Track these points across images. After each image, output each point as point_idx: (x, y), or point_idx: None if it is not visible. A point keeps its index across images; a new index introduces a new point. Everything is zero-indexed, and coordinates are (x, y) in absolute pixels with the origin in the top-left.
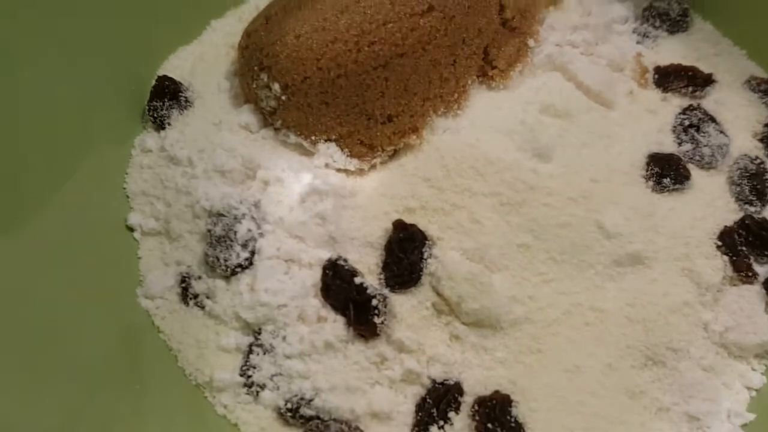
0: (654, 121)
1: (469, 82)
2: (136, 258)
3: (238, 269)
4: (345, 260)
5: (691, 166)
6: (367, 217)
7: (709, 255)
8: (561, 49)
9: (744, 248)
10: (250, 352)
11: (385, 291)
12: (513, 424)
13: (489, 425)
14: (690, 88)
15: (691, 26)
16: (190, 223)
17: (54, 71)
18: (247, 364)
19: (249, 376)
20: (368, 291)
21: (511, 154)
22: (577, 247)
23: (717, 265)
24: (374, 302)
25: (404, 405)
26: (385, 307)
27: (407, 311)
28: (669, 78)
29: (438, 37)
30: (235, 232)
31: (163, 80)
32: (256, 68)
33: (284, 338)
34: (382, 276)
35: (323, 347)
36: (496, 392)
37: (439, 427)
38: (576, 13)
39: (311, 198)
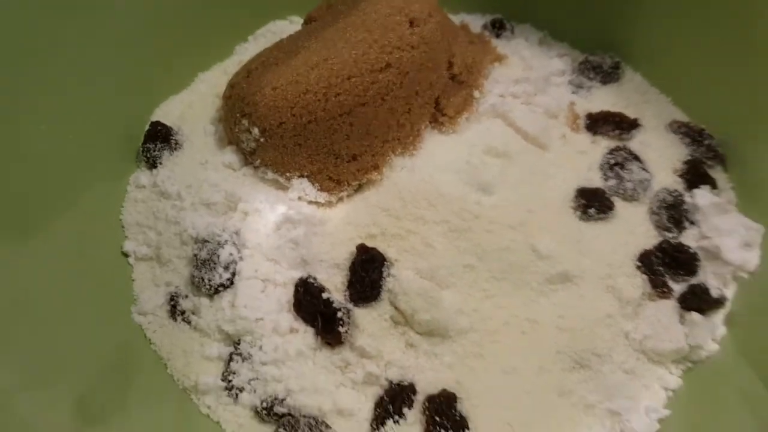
0: (584, 160)
1: (423, 127)
2: (131, 280)
3: (221, 288)
4: (314, 279)
5: (616, 199)
6: (334, 242)
7: (630, 274)
8: (503, 99)
9: (661, 268)
10: (231, 360)
11: (350, 305)
12: (458, 418)
13: (437, 418)
14: (617, 132)
15: (623, 77)
16: (178, 249)
17: (59, 117)
18: (228, 370)
19: (229, 381)
20: (334, 305)
21: (458, 189)
22: (515, 268)
23: (637, 283)
24: (339, 314)
25: (365, 403)
26: (349, 318)
27: (368, 322)
28: (598, 123)
29: (395, 90)
30: (218, 256)
31: (156, 125)
32: (238, 115)
33: (260, 347)
34: (347, 292)
35: (295, 354)
36: (444, 390)
37: (395, 421)
38: (519, 67)
39: (285, 226)
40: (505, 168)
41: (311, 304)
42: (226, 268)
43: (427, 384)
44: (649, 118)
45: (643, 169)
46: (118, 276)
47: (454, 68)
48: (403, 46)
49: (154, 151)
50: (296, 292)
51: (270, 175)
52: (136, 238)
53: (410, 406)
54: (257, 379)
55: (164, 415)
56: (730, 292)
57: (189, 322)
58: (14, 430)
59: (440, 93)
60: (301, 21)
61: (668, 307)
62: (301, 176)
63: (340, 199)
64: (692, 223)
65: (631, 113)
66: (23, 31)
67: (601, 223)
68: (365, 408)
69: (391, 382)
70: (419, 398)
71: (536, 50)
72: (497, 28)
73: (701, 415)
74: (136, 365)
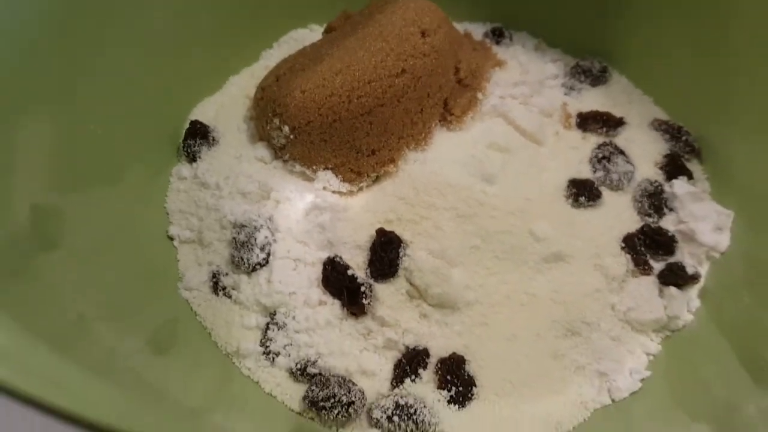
0: (575, 154)
1: (433, 125)
2: (176, 260)
3: (258, 266)
4: (340, 258)
5: (603, 188)
6: (356, 227)
7: (615, 254)
8: (503, 100)
9: (643, 249)
10: (267, 328)
11: (371, 281)
12: (466, 377)
13: (448, 377)
14: (605, 129)
15: (610, 80)
16: (218, 233)
17: (110, 118)
18: (266, 337)
19: (267, 346)
20: (358, 280)
21: (465, 179)
22: (515, 249)
23: (621, 262)
24: (363, 288)
25: (385, 365)
26: (371, 292)
27: (387, 296)
28: (588, 121)
29: (409, 92)
30: (255, 239)
31: (195, 124)
32: (270, 114)
33: (294, 317)
34: (368, 270)
35: (324, 323)
36: (453, 354)
37: (411, 380)
38: (516, 71)
39: (313, 212)
40: (505, 161)
41: (338, 280)
42: (262, 249)
43: (439, 349)
44: (634, 117)
45: (628, 162)
46: (164, 257)
47: (461, 73)
48: (416, 54)
49: (194, 146)
50: (324, 269)
51: (298, 167)
52: (179, 223)
53: (425, 368)
54: (291, 344)
55: (212, 376)
56: (703, 270)
57: (230, 297)
58: (99, 350)
59: (448, 95)
60: (321, 29)
61: (649, 282)
62: (326, 168)
63: (361, 189)
64: (671, 209)
65: (617, 112)
66: (75, 42)
67: (590, 209)
68: (386, 369)
69: (407, 347)
70: (432, 361)
71: (532, 56)
72: (497, 35)
73: (677, 375)
74: (185, 334)
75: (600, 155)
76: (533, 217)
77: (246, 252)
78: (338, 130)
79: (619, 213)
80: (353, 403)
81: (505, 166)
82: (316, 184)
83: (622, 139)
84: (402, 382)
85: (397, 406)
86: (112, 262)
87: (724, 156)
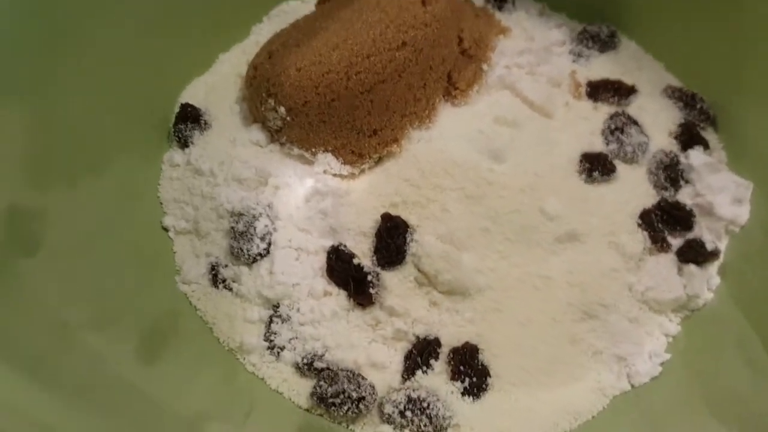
0: (586, 126)
1: (437, 100)
2: (172, 252)
3: (258, 257)
4: (344, 246)
5: (617, 162)
6: (360, 212)
7: (632, 231)
8: (509, 71)
9: (660, 225)
10: (271, 322)
11: (377, 269)
12: (480, 367)
13: (461, 368)
14: (616, 98)
15: (619, 45)
16: (215, 222)
17: (93, 106)
18: (270, 331)
19: (271, 341)
20: (364, 269)
21: (472, 157)
22: (526, 229)
23: (638, 239)
24: (369, 278)
25: (395, 356)
26: (378, 281)
27: (395, 284)
28: (598, 90)
29: (411, 66)
30: (255, 228)
31: (186, 107)
32: (264, 95)
33: (298, 309)
34: (374, 257)
35: (330, 315)
36: (466, 343)
37: (423, 372)
38: (521, 39)
39: (314, 198)
40: (514, 136)
41: (343, 270)
42: (263, 238)
43: (450, 338)
44: (645, 84)
45: (641, 132)
46: (160, 249)
47: (464, 43)
48: (417, 24)
49: (186, 131)
50: (329, 258)
51: (296, 150)
52: (174, 213)
53: (436, 358)
54: (296, 338)
55: (215, 374)
56: (723, 245)
57: (230, 289)
58: (87, 359)
59: (452, 67)
60: (313, 0)
61: (667, 260)
62: (326, 151)
63: (363, 171)
64: (687, 182)
65: (628, 80)
66: (50, 22)
67: (604, 184)
68: (396, 360)
69: (418, 337)
70: (444, 350)
71: (536, 21)
72: (499, 0)
73: (699, 358)
74: (185, 330)
75: (613, 126)
76: (544, 195)
77: (245, 242)
78: (337, 110)
79: (634, 187)
80: (363, 398)
81: (514, 142)
82: (315, 167)
83: (635, 108)
84: (413, 374)
85: (410, 400)
86: (101, 260)
87: (740, 123)
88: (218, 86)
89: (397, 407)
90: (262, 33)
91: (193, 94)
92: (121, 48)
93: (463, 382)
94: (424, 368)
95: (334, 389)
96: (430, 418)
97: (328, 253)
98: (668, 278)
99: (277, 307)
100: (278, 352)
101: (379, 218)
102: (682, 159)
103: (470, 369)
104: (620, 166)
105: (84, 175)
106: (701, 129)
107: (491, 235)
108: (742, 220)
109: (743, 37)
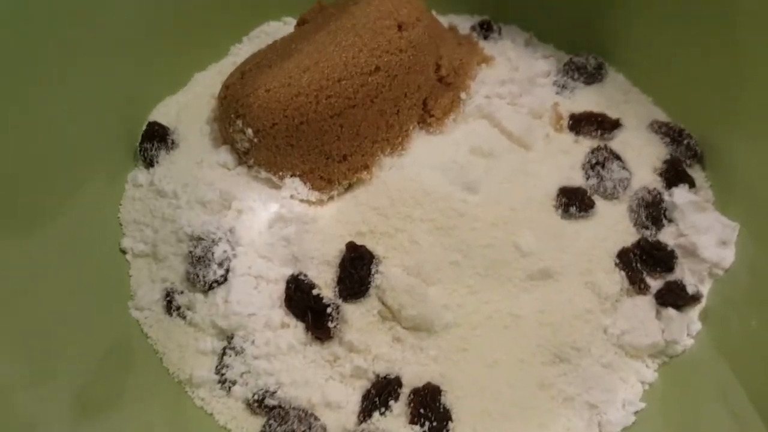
0: (566, 159)
1: (411, 127)
2: (128, 276)
3: (215, 284)
4: (305, 275)
5: (596, 197)
6: (325, 240)
7: (608, 270)
8: (489, 100)
9: (638, 265)
10: (224, 354)
11: (339, 301)
12: (441, 410)
13: (421, 410)
14: (599, 132)
15: (606, 77)
16: (174, 246)
17: (58, 117)
18: (221, 363)
19: (223, 374)
20: (324, 301)
21: (444, 187)
22: (498, 264)
23: (615, 279)
24: (329, 310)
25: (353, 396)
26: (338, 314)
27: (357, 318)
28: (581, 123)
29: (384, 92)
30: (213, 253)
31: (153, 125)
32: (232, 115)
33: (253, 342)
34: (336, 288)
35: (286, 348)
36: (428, 384)
37: (381, 413)
38: (505, 68)
39: (278, 224)
40: (489, 167)
41: (302, 300)
42: (220, 264)
43: (413, 377)
44: (631, 118)
45: (623, 168)
46: (115, 272)
47: (442, 70)
48: (391, 49)
49: (151, 150)
50: (287, 288)
51: (263, 174)
52: (133, 235)
53: (396, 399)
54: (249, 372)
55: (159, 407)
56: (705, 289)
57: (184, 317)
58: (16, 426)
59: (428, 94)
60: (294, 22)
61: (645, 302)
62: (294, 175)
63: (331, 198)
64: (670, 221)
65: (613, 113)
66: (22, 32)
67: (582, 220)
68: (353, 400)
69: (378, 376)
70: (405, 391)
71: (522, 51)
72: (485, 29)
73: (676, 408)
74: (132, 359)
75: (593, 161)
76: (518, 229)
77: (202, 268)
78: (306, 133)
79: (613, 224)
80: None
81: (489, 173)
82: (283, 192)
83: (618, 142)
84: (370, 415)
85: None
86: (48, 292)
87: (729, 162)
88: (190, 106)
89: None
90: (240, 54)
91: (164, 112)
92: (93, 62)
93: (422, 426)
94: (383, 409)
95: (284, 429)
96: None
97: (288, 282)
98: (645, 322)
99: (231, 338)
100: (229, 387)
101: (344, 247)
102: (665, 197)
103: (431, 412)
104: (599, 202)
105: (45, 197)
106: (688, 166)
107: (461, 269)
108: (727, 263)
109: (733, 72)
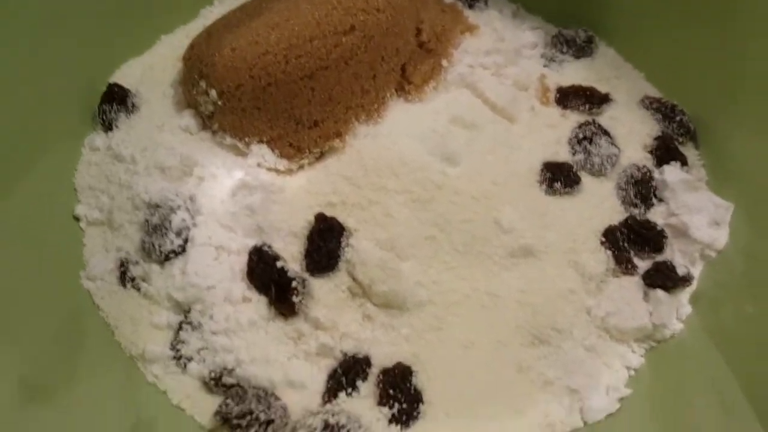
0: (552, 134)
1: (388, 94)
2: (81, 245)
3: (172, 255)
4: (269, 246)
5: (582, 174)
6: (292, 210)
7: (594, 249)
8: (472, 69)
9: (626, 244)
10: (180, 328)
11: (305, 275)
12: (412, 392)
13: (391, 391)
14: (587, 106)
15: (596, 51)
16: (130, 214)
17: (13, 74)
18: (177, 339)
19: (178, 350)
20: (288, 274)
21: (422, 158)
22: (477, 240)
23: (600, 259)
24: (294, 284)
25: (318, 375)
26: (304, 288)
27: (325, 293)
28: (568, 97)
29: (359, 54)
30: (170, 222)
31: (113, 87)
32: (196, 76)
33: (211, 316)
34: (303, 262)
35: (247, 324)
36: (399, 363)
37: (348, 394)
38: (490, 38)
39: (241, 192)
40: (471, 139)
41: (265, 273)
42: (178, 234)
43: (383, 357)
44: (621, 93)
45: (612, 144)
46: (68, 240)
47: (423, 35)
48: (368, 8)
49: (110, 113)
50: (250, 260)
51: (228, 140)
52: (88, 202)
53: (364, 379)
54: (207, 348)
55: (110, 383)
56: (696, 271)
57: (138, 289)
58: None
59: (407, 60)
60: None
61: (632, 283)
62: (261, 142)
63: (301, 167)
64: (660, 200)
65: (603, 88)
66: None
67: (567, 197)
68: (318, 380)
69: (345, 354)
70: (374, 371)
71: (509, 22)
72: None
73: (664, 395)
74: (83, 332)
75: (580, 135)
76: (499, 204)
77: (158, 237)
78: (274, 96)
79: (600, 202)
80: (272, 421)
81: (470, 145)
82: (249, 159)
83: (607, 117)
84: (336, 396)
85: (326, 426)
86: None
87: (723, 139)
88: (155, 68)
89: None
90: (210, 16)
91: (127, 74)
92: (51, 19)
93: (391, 408)
94: (349, 390)
95: (240, 409)
96: None
97: (250, 253)
98: (632, 304)
99: (188, 312)
100: (185, 364)
101: (313, 219)
102: (656, 175)
103: (401, 393)
104: (586, 179)
105: None
106: (680, 143)
107: (437, 244)
108: (720, 244)
109: (731, 47)
